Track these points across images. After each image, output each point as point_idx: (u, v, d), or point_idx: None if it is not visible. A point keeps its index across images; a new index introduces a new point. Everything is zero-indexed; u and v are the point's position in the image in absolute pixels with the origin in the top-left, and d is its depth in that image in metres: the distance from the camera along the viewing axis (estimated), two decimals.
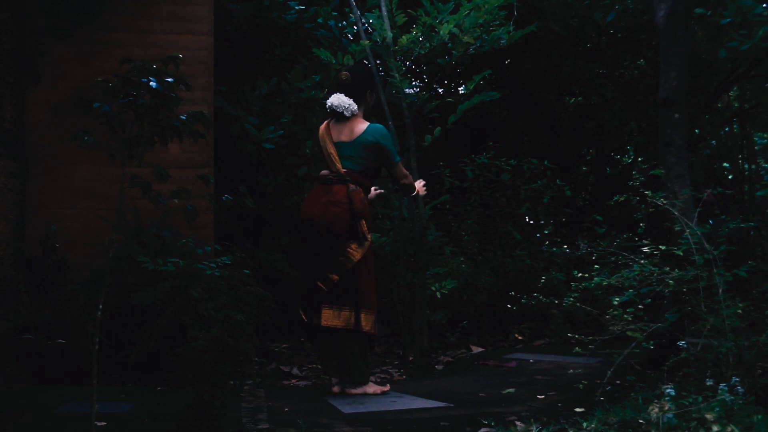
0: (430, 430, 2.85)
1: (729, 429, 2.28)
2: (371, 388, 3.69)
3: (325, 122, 3.84)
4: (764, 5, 4.68)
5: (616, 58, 7.09)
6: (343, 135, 3.73)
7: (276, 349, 4.92)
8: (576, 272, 3.80)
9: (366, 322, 3.64)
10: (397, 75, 4.48)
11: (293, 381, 4.41)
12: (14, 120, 4.46)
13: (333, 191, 3.67)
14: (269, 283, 4.63)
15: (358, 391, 3.65)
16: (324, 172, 3.78)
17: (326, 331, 3.67)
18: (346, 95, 3.73)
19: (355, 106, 3.73)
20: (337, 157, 3.71)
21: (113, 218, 4.28)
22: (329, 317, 3.61)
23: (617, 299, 3.32)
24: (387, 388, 3.77)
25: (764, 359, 2.96)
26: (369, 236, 3.70)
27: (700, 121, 7.29)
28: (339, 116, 3.75)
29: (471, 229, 6.16)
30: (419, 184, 4.21)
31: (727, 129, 8.45)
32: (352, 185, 3.66)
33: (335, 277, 3.61)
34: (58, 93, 4.68)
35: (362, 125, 3.73)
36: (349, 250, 3.63)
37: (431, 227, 5.20)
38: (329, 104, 3.77)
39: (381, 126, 3.79)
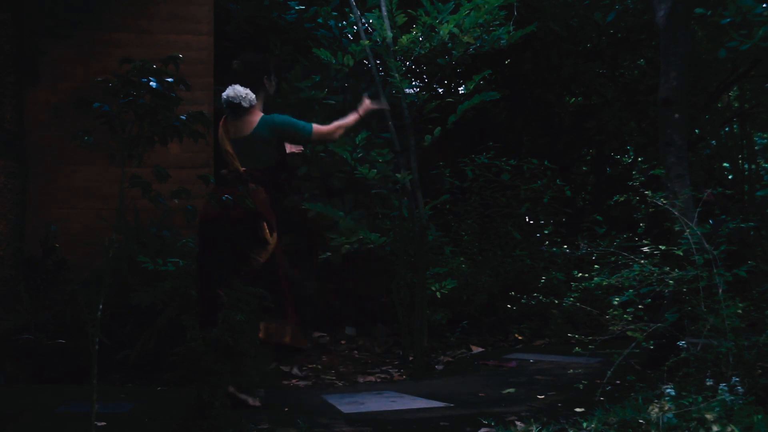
0: (430, 430, 2.85)
1: (729, 429, 2.28)
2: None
3: (223, 118, 3.62)
4: (764, 5, 4.68)
5: (616, 58, 7.09)
6: (240, 130, 3.51)
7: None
8: (576, 272, 3.80)
9: (278, 333, 3.39)
10: (397, 75, 4.48)
11: (293, 381, 4.41)
12: (14, 120, 4.46)
13: (232, 191, 3.35)
14: None
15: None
16: (224, 171, 3.56)
17: None
18: (241, 86, 3.50)
19: (252, 96, 3.48)
20: (234, 155, 3.49)
21: (113, 218, 4.28)
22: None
23: (617, 299, 3.32)
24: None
25: (764, 359, 2.96)
26: (271, 239, 3.44)
27: (700, 121, 7.29)
28: (236, 109, 3.50)
29: (471, 229, 6.16)
30: (363, 106, 3.77)
31: (727, 129, 8.46)
32: (252, 184, 3.46)
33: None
34: (58, 93, 4.68)
35: (256, 118, 3.50)
36: (251, 254, 3.39)
37: (431, 227, 5.20)
38: (224, 96, 3.49)
39: (273, 115, 3.56)
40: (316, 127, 3.59)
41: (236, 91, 3.48)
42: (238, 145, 3.51)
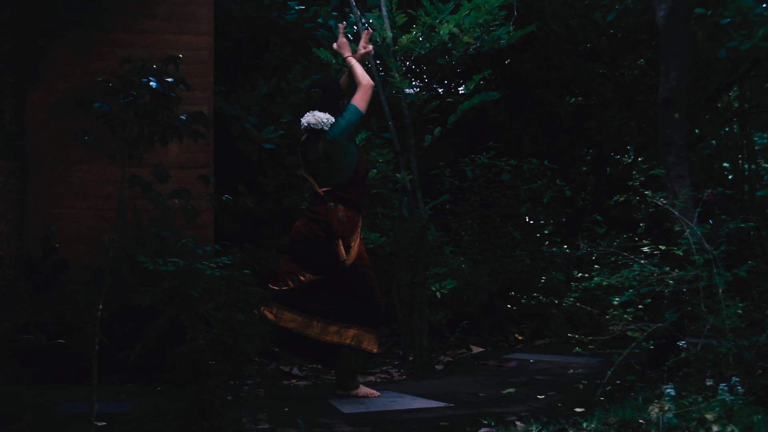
0: (430, 430, 2.85)
1: (729, 429, 2.28)
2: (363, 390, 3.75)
3: (301, 141, 3.74)
4: (764, 5, 4.68)
5: (616, 58, 7.09)
6: (314, 153, 3.64)
7: (276, 349, 4.91)
8: (576, 272, 3.80)
9: (368, 342, 3.67)
10: (397, 75, 4.48)
11: (293, 381, 4.42)
12: (14, 120, 4.46)
13: (314, 210, 3.66)
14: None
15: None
16: (310, 192, 3.74)
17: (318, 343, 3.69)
18: (320, 110, 3.61)
19: (333, 119, 3.61)
20: (313, 180, 3.67)
21: (113, 218, 4.27)
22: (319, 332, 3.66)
23: (617, 299, 3.32)
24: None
25: (764, 359, 2.96)
26: (346, 255, 3.60)
27: (700, 121, 7.29)
28: (317, 134, 3.61)
29: (471, 229, 6.16)
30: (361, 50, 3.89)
31: (727, 129, 8.46)
32: (332, 203, 3.62)
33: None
34: (58, 93, 4.68)
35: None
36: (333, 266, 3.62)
37: (431, 227, 5.20)
38: (305, 123, 3.62)
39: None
40: (354, 100, 3.64)
41: (317, 117, 3.59)
42: (317, 167, 3.65)
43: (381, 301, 3.74)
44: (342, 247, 3.60)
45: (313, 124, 3.59)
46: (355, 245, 3.66)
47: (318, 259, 3.63)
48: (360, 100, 3.64)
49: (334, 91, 3.70)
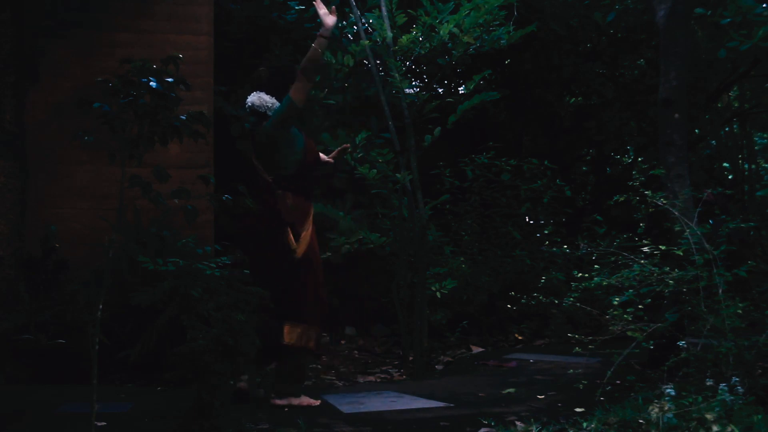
0: (430, 430, 2.85)
1: (729, 429, 2.28)
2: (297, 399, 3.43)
3: (252, 124, 3.59)
4: (764, 5, 4.69)
5: (616, 58, 7.09)
6: (259, 139, 3.50)
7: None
8: (576, 272, 3.80)
9: (289, 336, 3.33)
10: (397, 75, 4.48)
11: None
12: (14, 120, 4.46)
13: (262, 199, 3.50)
14: None
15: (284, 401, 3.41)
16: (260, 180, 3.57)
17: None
18: (267, 93, 3.47)
19: (278, 104, 3.44)
20: (260, 166, 3.51)
21: (113, 218, 4.28)
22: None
23: (617, 299, 3.32)
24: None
25: (764, 359, 2.96)
26: (295, 245, 3.39)
27: (700, 121, 7.30)
28: (260, 117, 3.47)
29: (471, 229, 6.16)
30: (324, 27, 3.43)
31: (727, 129, 8.46)
32: (280, 191, 3.45)
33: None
34: (58, 93, 4.68)
35: None
36: (277, 258, 3.39)
37: (431, 227, 5.20)
38: (249, 103, 3.48)
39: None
40: (291, 92, 3.37)
41: (261, 99, 3.45)
42: (261, 155, 3.51)
43: (321, 295, 3.49)
44: (291, 235, 3.39)
45: (257, 105, 3.45)
46: (306, 234, 3.45)
47: (267, 250, 3.42)
48: (295, 90, 3.36)
49: (280, 74, 3.53)
